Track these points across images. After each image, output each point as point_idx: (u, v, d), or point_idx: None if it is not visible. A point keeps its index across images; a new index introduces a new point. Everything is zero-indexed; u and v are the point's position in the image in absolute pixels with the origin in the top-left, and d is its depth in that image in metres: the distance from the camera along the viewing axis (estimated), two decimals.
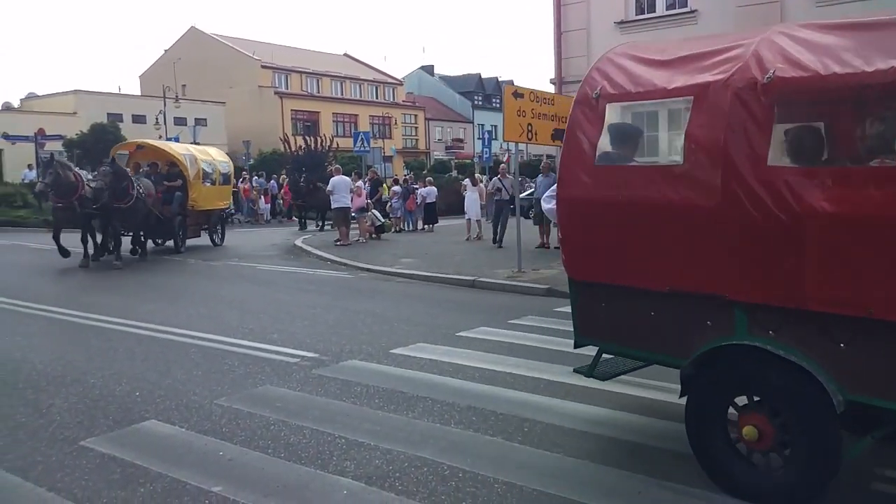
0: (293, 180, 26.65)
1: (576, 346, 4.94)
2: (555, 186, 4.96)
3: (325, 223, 24.73)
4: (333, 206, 17.87)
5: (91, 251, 13.91)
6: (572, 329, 4.86)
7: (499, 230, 16.85)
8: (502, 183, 17.18)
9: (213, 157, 18.94)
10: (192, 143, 28.87)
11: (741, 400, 4.01)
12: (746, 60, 3.91)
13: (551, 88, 15.59)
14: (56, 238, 13.48)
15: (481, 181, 21.82)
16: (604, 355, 4.97)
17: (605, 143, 4.61)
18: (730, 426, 4.04)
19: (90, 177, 14.13)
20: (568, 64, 15.65)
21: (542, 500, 3.97)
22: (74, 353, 7.31)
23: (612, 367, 5.17)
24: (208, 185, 17.68)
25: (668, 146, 4.74)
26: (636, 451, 4.64)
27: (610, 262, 4.50)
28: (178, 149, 18.15)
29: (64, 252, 13.44)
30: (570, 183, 4.64)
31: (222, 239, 18.55)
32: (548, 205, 5.21)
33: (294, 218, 26.05)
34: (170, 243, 16.67)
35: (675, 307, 4.20)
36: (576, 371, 5.22)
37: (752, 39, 4.04)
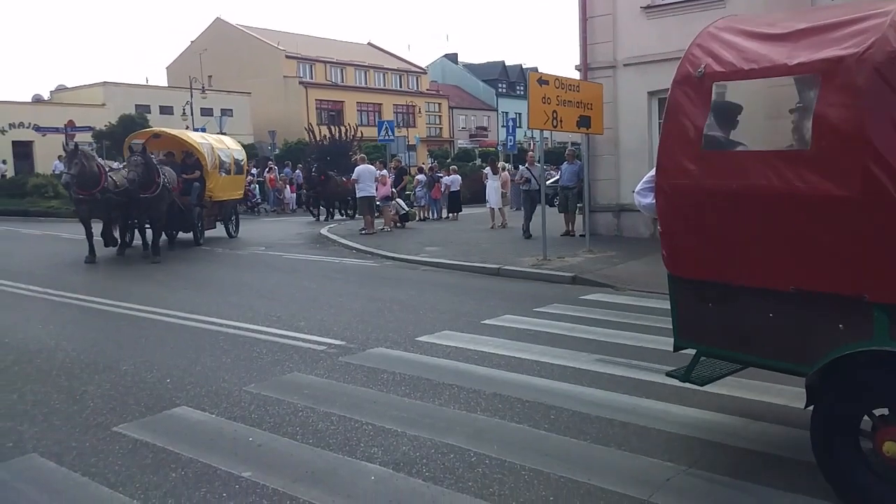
0: (306, 170, 26.46)
1: (675, 349, 4.59)
2: (647, 178, 4.58)
3: (340, 213, 24.60)
4: (358, 195, 17.91)
5: (115, 245, 13.76)
6: (672, 329, 4.53)
7: (529, 221, 16.38)
8: (531, 172, 16.44)
9: (228, 145, 18.47)
10: (218, 133, 29.10)
11: (880, 411, 3.59)
12: (884, 32, 3.44)
13: (576, 75, 15.44)
14: (87, 232, 13.01)
15: (505, 169, 21.77)
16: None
17: (712, 126, 4.21)
18: (865, 438, 3.65)
19: (114, 166, 13.79)
20: (594, 50, 15.49)
21: (570, 486, 3.97)
22: (106, 341, 7.44)
23: (711, 370, 4.70)
24: (224, 174, 17.07)
25: (789, 128, 4.27)
26: (664, 440, 4.62)
27: (720, 257, 4.09)
28: (196, 137, 17.41)
29: (92, 251, 13.00)
30: (671, 171, 4.22)
31: (237, 230, 18.10)
32: (644, 199, 4.67)
33: (311, 209, 25.20)
34: (186, 235, 15.99)
35: (799, 309, 3.79)
36: (669, 375, 4.82)
37: (889, 8, 3.55)
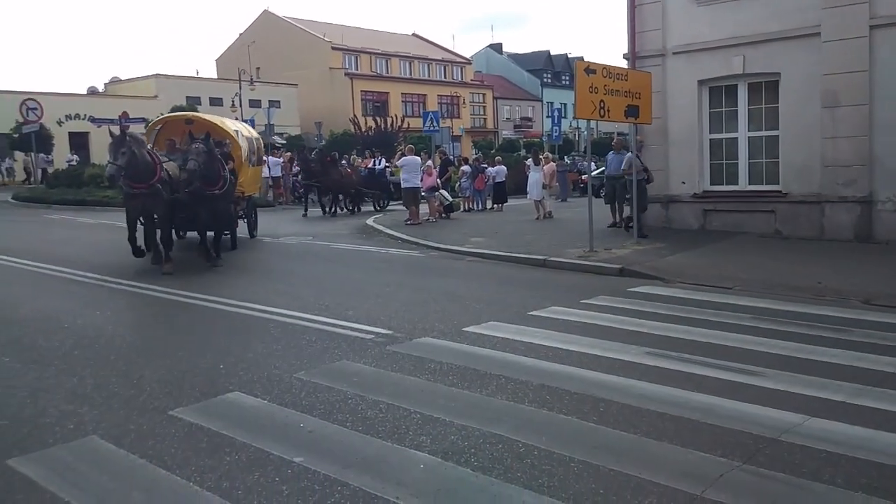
0: (302, 158, 22.51)
1: None
2: None
3: (342, 207, 21.93)
4: (403, 185, 17.99)
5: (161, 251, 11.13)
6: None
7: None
8: (640, 159, 14.12)
9: (252, 133, 16.60)
10: (266, 125, 29.38)
11: None
12: None
13: (624, 64, 15.20)
14: (132, 234, 10.79)
15: (550, 160, 21.52)
16: None
17: None
18: None
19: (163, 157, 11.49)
20: (642, 38, 15.21)
21: (620, 480, 3.93)
22: (161, 327, 7.64)
23: None
24: (251, 166, 15.28)
25: None
26: (717, 434, 4.53)
27: None
28: (230, 125, 15.23)
29: (139, 252, 11.00)
30: None
31: (256, 228, 15.66)
32: None
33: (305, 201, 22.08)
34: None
35: None
36: None
37: None
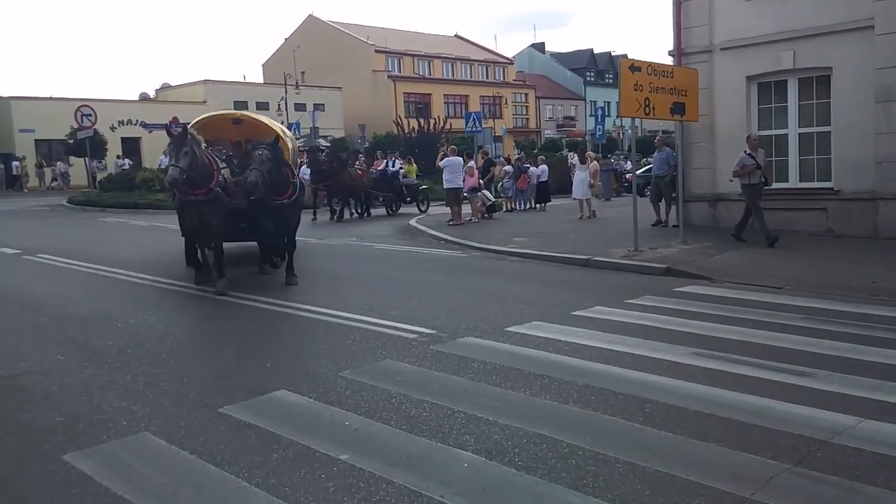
0: (313, 160, 20.76)
1: None
2: None
3: (354, 211, 21.07)
4: (446, 186, 18.03)
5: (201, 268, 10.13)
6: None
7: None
8: (755, 158, 12.46)
9: (291, 136, 15.12)
10: (312, 127, 29.66)
11: None
12: None
13: (669, 61, 14.97)
14: (190, 245, 10.33)
15: (593, 159, 21.31)
16: None
17: None
18: None
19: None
20: (689, 34, 14.97)
21: (667, 481, 3.88)
22: (210, 327, 7.81)
23: None
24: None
25: None
26: (767, 436, 4.44)
27: None
28: (276, 126, 13.41)
29: (200, 265, 10.11)
30: None
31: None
32: None
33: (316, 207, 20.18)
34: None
35: None
36: None
37: None
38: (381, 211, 22.06)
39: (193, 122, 10.68)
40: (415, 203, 22.42)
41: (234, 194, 9.72)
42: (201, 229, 9.54)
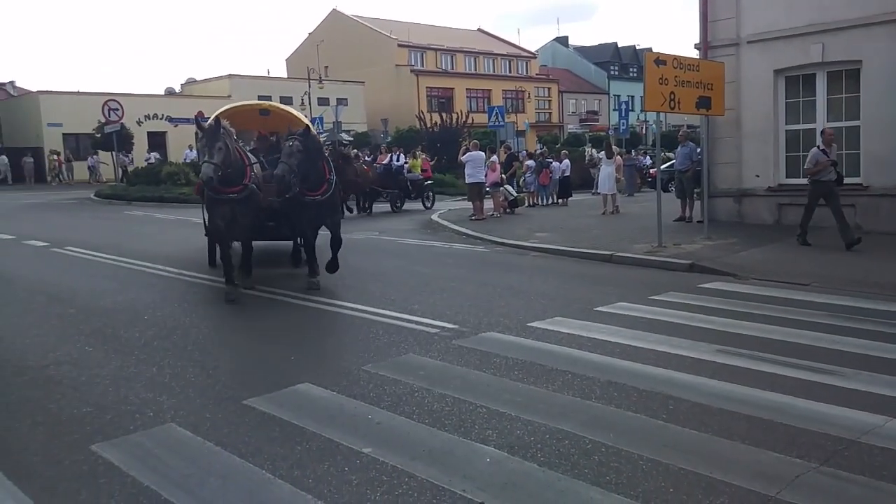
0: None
1: None
2: None
3: (357, 206, 20.21)
4: (468, 180, 18.01)
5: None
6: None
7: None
8: (828, 154, 11.69)
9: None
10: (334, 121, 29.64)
11: None
12: None
13: (695, 54, 14.81)
14: (224, 254, 8.90)
15: (618, 153, 21.14)
16: None
17: None
18: None
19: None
20: (715, 27, 14.79)
21: (690, 479, 3.86)
22: (235, 320, 7.88)
23: None
24: None
25: None
26: (792, 435, 4.40)
27: None
28: (304, 118, 12.16)
29: (231, 276, 8.88)
30: None
31: None
32: None
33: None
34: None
35: None
36: None
37: None
38: (385, 207, 21.45)
39: (218, 112, 10.11)
40: (419, 199, 22.08)
41: (265, 191, 9.04)
42: (231, 228, 8.77)
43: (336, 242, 9.69)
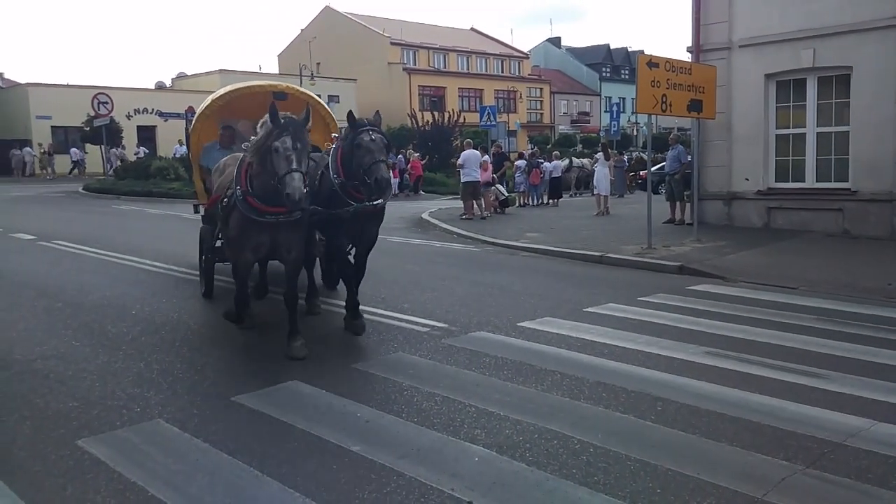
0: None
1: None
2: None
3: None
4: (463, 179, 17.99)
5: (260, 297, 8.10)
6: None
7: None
8: None
9: None
10: None
11: None
12: None
13: (687, 57, 14.86)
14: (244, 285, 6.87)
15: (617, 155, 21.27)
16: None
17: None
18: None
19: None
20: (707, 31, 14.85)
21: (678, 479, 3.88)
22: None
23: None
24: None
25: None
26: (779, 437, 4.43)
27: None
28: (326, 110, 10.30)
29: (251, 316, 7.12)
30: None
31: None
32: None
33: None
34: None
35: None
36: None
37: None
38: None
39: (222, 92, 8.69)
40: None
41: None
42: (270, 258, 6.75)
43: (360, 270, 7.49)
